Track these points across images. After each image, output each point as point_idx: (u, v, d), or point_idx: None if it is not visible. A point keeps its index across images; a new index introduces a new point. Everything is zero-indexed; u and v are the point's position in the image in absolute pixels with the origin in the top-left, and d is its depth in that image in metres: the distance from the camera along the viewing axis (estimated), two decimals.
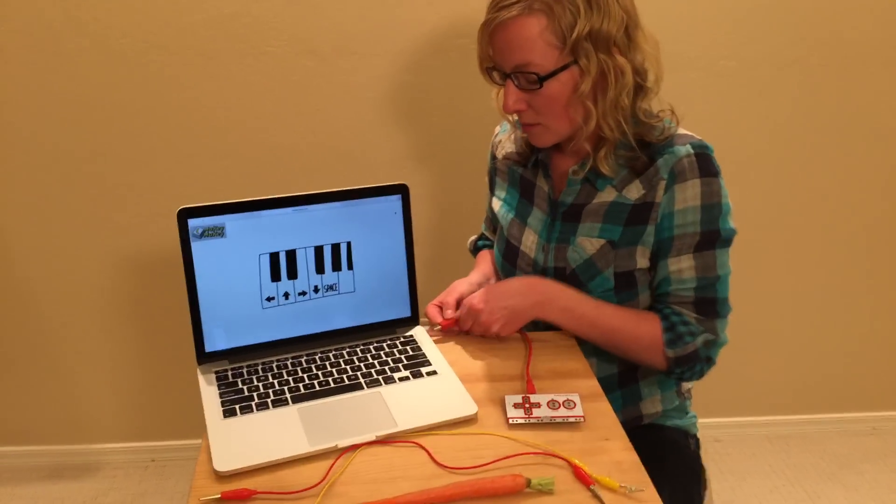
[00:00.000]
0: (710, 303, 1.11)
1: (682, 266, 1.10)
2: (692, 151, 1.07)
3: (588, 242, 1.14)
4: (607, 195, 1.13)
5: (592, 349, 1.16)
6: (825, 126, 1.78)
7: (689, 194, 1.07)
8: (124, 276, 1.82)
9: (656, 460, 1.14)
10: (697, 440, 1.26)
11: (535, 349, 1.13)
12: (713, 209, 1.08)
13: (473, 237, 1.49)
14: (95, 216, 1.75)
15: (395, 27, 1.62)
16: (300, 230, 1.06)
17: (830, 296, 1.98)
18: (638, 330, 1.12)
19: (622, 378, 1.20)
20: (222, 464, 0.87)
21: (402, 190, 1.11)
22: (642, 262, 1.13)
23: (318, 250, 1.08)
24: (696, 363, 1.11)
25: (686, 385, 1.27)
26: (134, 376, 1.93)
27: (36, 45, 1.58)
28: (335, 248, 1.09)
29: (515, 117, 1.17)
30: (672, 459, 1.16)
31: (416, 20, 1.62)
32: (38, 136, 1.66)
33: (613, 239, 1.12)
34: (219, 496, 0.83)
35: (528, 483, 0.85)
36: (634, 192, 1.11)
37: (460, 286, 1.24)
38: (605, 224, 1.13)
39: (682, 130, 1.12)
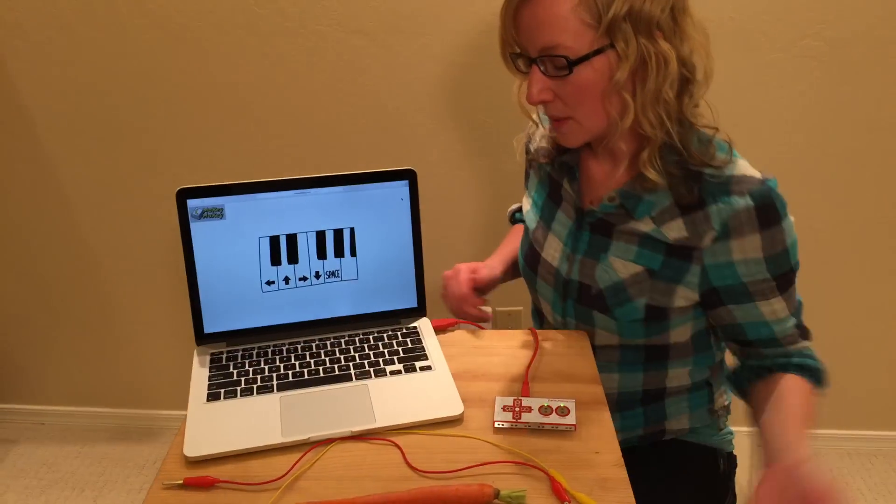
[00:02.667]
0: (806, 327, 1.03)
1: (775, 308, 0.98)
2: (752, 204, 0.92)
3: (621, 264, 1.02)
4: (644, 225, 0.99)
5: (617, 364, 1.09)
6: None
7: (748, 247, 0.94)
8: None
9: (671, 479, 1.07)
10: (731, 458, 1.15)
11: (543, 348, 1.07)
12: (779, 257, 0.95)
13: (516, 205, 1.38)
14: (158, 192, 1.80)
15: (445, 5, 1.57)
16: (301, 214, 1.04)
17: None
18: (808, 401, 0.98)
19: (647, 396, 1.11)
20: (192, 449, 0.86)
21: (409, 175, 1.06)
22: (680, 301, 1.00)
23: (320, 235, 1.05)
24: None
25: (721, 402, 1.17)
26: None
27: (99, 24, 1.63)
28: (338, 233, 1.06)
29: (542, 110, 1.05)
30: (690, 479, 1.07)
31: None
32: (98, 110, 1.72)
33: (653, 268, 1.00)
34: (181, 482, 0.83)
35: (497, 494, 0.80)
36: (675, 231, 0.97)
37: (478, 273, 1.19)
38: (641, 249, 1.00)
39: (740, 162, 0.96)
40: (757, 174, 0.94)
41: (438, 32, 1.60)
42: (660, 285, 1.00)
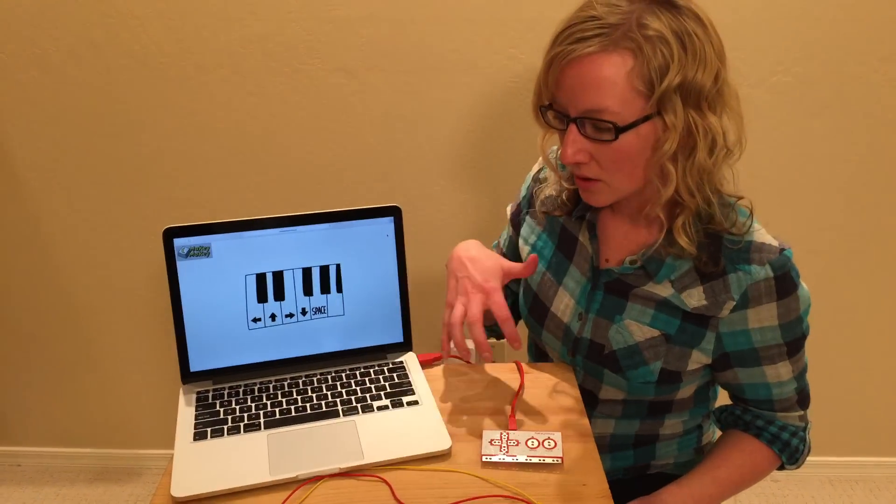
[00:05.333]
0: (806, 392, 1.06)
1: (780, 371, 1.01)
2: (771, 275, 0.93)
3: (637, 327, 1.01)
4: (663, 289, 0.99)
5: (617, 416, 1.11)
6: (891, 149, 1.64)
7: (764, 316, 0.96)
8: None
9: None
10: None
11: (530, 381, 1.08)
12: (792, 324, 0.97)
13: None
14: (139, 227, 1.80)
15: (425, 44, 1.60)
16: (287, 251, 1.05)
17: None
18: (756, 469, 1.07)
19: (639, 440, 1.13)
20: (179, 489, 0.86)
21: (394, 212, 1.08)
22: (693, 365, 1.02)
23: (306, 272, 1.06)
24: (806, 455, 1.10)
25: (708, 439, 1.20)
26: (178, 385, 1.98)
27: (83, 64, 1.64)
28: (324, 269, 1.07)
29: (557, 161, 1.05)
30: None
31: (447, 36, 1.59)
32: (83, 149, 1.72)
33: (669, 332, 1.00)
34: None
35: None
36: (695, 299, 0.97)
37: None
38: (658, 313, 1.00)
39: (758, 228, 0.97)
40: (775, 242, 0.96)
41: (418, 70, 1.62)
42: (675, 350, 1.00)
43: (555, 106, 0.92)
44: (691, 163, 0.89)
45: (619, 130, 0.86)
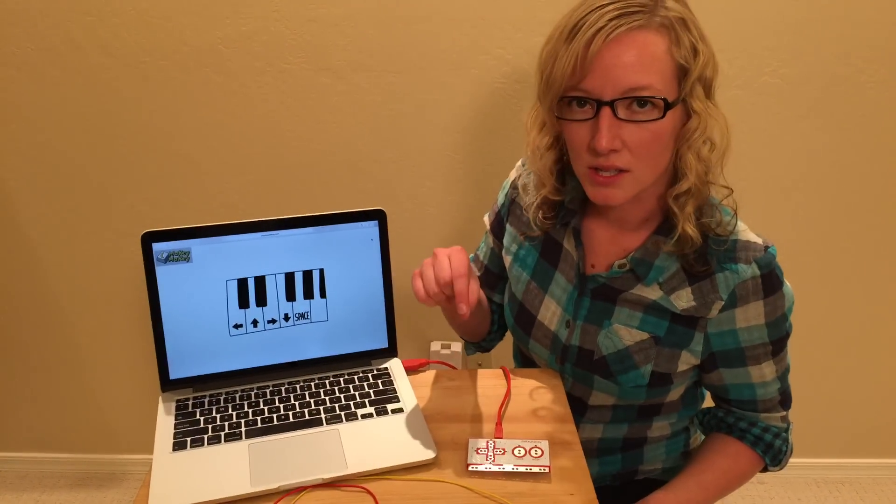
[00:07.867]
0: (788, 393, 1.06)
1: (764, 371, 1.00)
2: (758, 273, 0.93)
3: (626, 332, 1.00)
4: (651, 292, 0.98)
5: (606, 421, 1.09)
6: (877, 150, 1.64)
7: (751, 314, 0.96)
8: None
9: None
10: None
11: (516, 388, 1.06)
12: (778, 322, 0.97)
13: None
14: (122, 230, 1.77)
15: (411, 44, 1.58)
16: (269, 256, 1.03)
17: (889, 333, 1.82)
18: (741, 472, 1.06)
19: (626, 444, 1.12)
20: (158, 501, 0.84)
21: (378, 216, 1.06)
22: (683, 366, 1.01)
23: (289, 277, 1.04)
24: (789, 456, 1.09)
25: (695, 444, 1.19)
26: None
27: (63, 63, 1.61)
28: (307, 275, 1.05)
29: (525, 161, 1.03)
30: None
31: (434, 36, 1.57)
32: (62, 150, 1.69)
33: (658, 335, 0.99)
34: None
35: None
36: (683, 300, 0.97)
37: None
38: (646, 316, 0.99)
39: (742, 228, 0.97)
40: (759, 240, 0.96)
41: (404, 70, 1.61)
42: (665, 352, 1.00)
43: (577, 94, 0.87)
44: (703, 152, 0.90)
45: (669, 106, 0.85)
